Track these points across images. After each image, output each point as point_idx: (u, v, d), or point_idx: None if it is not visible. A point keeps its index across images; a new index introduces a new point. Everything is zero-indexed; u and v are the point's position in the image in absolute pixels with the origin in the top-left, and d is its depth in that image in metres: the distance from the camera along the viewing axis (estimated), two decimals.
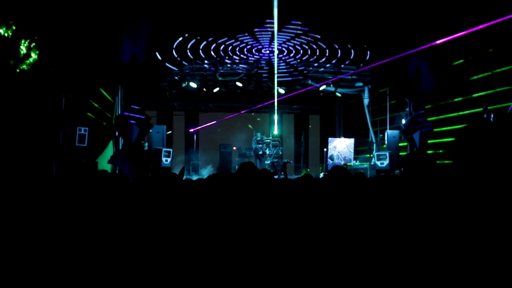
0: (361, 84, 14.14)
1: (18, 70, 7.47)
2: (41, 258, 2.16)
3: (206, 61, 13.08)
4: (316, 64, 13.63)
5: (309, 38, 11.77)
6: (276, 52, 11.77)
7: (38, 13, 7.87)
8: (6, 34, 7.00)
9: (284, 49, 12.61)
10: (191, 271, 1.97)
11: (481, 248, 2.30)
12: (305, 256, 2.11)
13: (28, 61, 7.17)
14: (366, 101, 14.34)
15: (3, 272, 2.06)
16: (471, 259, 2.23)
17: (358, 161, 14.19)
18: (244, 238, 2.12)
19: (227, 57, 12.97)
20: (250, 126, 16.66)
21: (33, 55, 7.30)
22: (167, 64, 11.86)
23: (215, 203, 2.35)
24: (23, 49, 7.24)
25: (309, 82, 14.00)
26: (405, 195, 3.32)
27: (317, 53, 12.75)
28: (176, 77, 13.49)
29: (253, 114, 17.94)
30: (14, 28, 7.03)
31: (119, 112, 11.27)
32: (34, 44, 7.36)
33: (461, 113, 10.44)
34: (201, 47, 12.01)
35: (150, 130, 11.50)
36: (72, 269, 2.07)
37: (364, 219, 2.53)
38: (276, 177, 12.16)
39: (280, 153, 15.02)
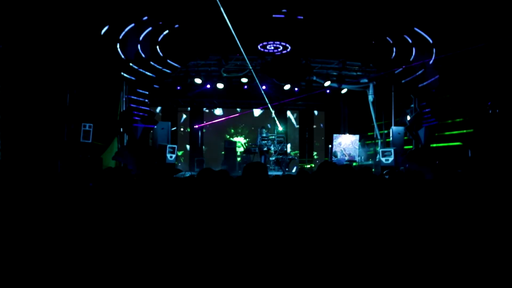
0: (366, 80, 14.06)
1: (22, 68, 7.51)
2: (44, 253, 2.18)
3: (210, 57, 13.01)
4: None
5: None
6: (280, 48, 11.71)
7: (42, 11, 7.89)
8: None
9: (288, 45, 12.50)
10: (190, 270, 1.97)
11: (485, 247, 2.28)
12: (305, 253, 2.10)
13: None
14: (371, 97, 14.26)
15: (5, 266, 2.07)
16: (475, 257, 2.21)
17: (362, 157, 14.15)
18: (240, 235, 2.12)
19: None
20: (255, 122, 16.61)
21: None
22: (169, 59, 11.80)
23: (211, 201, 2.35)
24: None
25: (314, 78, 13.93)
26: (410, 192, 3.30)
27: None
28: (180, 73, 13.48)
29: (259, 111, 17.93)
30: None
31: (124, 108, 11.30)
32: None
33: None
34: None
35: (155, 127, 11.53)
36: (73, 266, 2.08)
37: (366, 217, 2.51)
38: (280, 173, 12.18)
39: (285, 149, 14.97)
